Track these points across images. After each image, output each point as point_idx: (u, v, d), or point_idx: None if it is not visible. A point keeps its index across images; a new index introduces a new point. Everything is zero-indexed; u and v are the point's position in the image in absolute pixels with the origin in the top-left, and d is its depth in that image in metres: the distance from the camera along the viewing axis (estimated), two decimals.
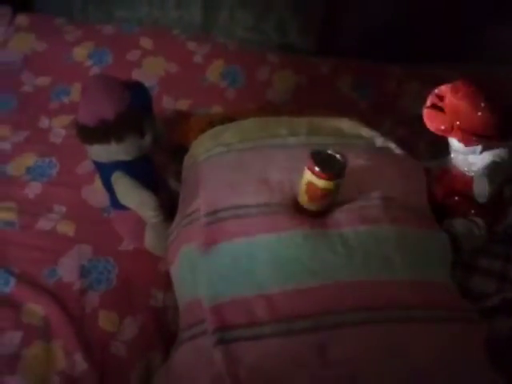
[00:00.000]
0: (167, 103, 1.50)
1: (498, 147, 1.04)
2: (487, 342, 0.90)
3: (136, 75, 1.53)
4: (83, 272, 1.09)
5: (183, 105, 1.50)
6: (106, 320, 1.03)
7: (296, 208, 0.99)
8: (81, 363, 0.96)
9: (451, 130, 1.03)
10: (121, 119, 0.98)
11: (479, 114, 1.00)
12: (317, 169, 0.92)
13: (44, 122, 1.43)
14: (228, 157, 1.10)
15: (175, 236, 1.06)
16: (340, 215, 0.99)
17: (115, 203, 1.08)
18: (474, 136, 1.02)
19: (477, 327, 0.90)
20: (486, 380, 0.85)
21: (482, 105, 0.99)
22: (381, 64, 1.66)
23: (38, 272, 1.09)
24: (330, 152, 0.96)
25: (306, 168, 0.94)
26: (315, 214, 0.98)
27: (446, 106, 1.03)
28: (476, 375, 0.84)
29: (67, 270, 1.09)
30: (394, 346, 0.83)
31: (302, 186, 0.97)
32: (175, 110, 1.48)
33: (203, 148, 1.14)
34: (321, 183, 0.93)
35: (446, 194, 1.13)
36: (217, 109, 1.49)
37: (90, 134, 1.00)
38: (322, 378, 0.81)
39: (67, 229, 1.17)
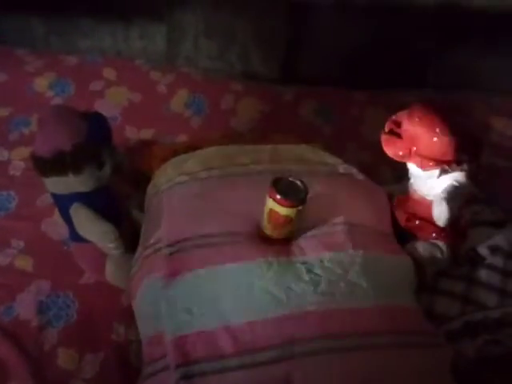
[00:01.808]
0: (130, 133, 1.49)
1: (455, 171, 1.06)
2: (453, 366, 0.90)
3: (99, 106, 1.52)
4: (41, 308, 1.05)
5: (146, 134, 1.49)
6: (65, 358, 0.99)
7: (259, 236, 0.99)
8: None
9: (409, 155, 1.05)
10: (78, 150, 0.97)
11: (435, 139, 1.02)
12: (278, 196, 0.92)
13: (3, 154, 1.40)
14: (190, 186, 1.09)
15: (137, 267, 1.04)
16: (304, 242, 0.98)
17: (75, 235, 1.06)
18: (431, 161, 1.03)
19: (443, 351, 0.90)
20: None
21: (437, 130, 1.01)
22: (343, 90, 1.69)
23: None
24: (291, 179, 0.96)
25: (267, 196, 0.94)
26: (279, 241, 0.98)
27: (402, 132, 1.05)
28: None
29: (24, 306, 1.05)
30: (358, 375, 0.82)
31: (265, 214, 0.96)
32: (138, 140, 1.47)
33: (166, 177, 1.13)
34: (283, 210, 0.93)
35: (407, 219, 1.14)
36: (181, 138, 1.49)
37: (47, 166, 0.98)
38: None
39: (25, 264, 1.13)
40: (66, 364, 0.99)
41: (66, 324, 1.04)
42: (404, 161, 1.09)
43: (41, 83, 1.60)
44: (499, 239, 1.15)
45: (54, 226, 1.21)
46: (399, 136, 1.05)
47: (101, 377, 0.98)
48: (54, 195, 1.06)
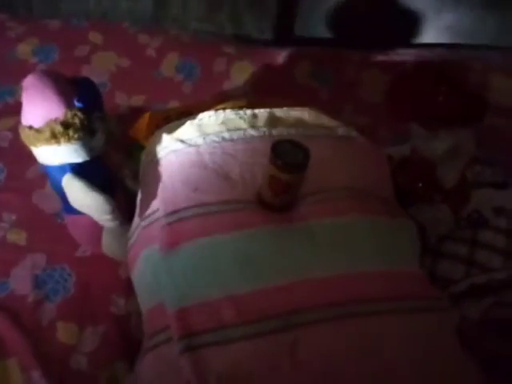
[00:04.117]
0: (120, 99, 1.44)
1: (459, 131, 1.03)
2: (457, 329, 0.89)
3: (85, 72, 1.47)
4: (37, 282, 1.03)
5: (137, 101, 1.45)
6: (64, 332, 0.98)
7: (260, 203, 0.96)
8: (39, 380, 0.90)
9: (413, 115, 1.02)
10: (69, 118, 0.92)
11: (440, 98, 0.99)
12: (279, 162, 0.89)
13: None
14: (187, 153, 1.05)
15: (135, 239, 1.01)
16: (306, 208, 0.96)
17: (68, 208, 1.02)
18: (436, 121, 1.00)
19: (449, 315, 0.90)
20: (461, 368, 0.84)
21: (443, 89, 0.98)
22: (339, 51, 1.64)
23: None
24: (291, 144, 0.93)
25: (268, 162, 0.91)
26: (280, 208, 0.95)
27: (407, 93, 1.02)
28: (451, 364, 0.83)
29: (20, 281, 1.03)
30: (366, 342, 0.81)
31: (265, 181, 0.94)
32: (129, 107, 1.42)
33: (160, 145, 1.09)
34: (284, 176, 0.90)
35: (408, 181, 1.12)
36: (173, 103, 1.44)
37: (36, 135, 0.93)
38: (294, 378, 0.78)
39: (18, 237, 1.10)
40: (66, 338, 0.97)
41: (63, 298, 1.02)
42: (407, 121, 1.06)
43: (24, 50, 1.53)
44: (503, 200, 1.14)
45: (46, 198, 1.18)
46: (403, 96, 1.01)
47: (101, 350, 0.97)
48: (45, 167, 1.01)
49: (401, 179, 1.13)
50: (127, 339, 0.99)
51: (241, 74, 1.53)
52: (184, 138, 1.08)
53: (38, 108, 0.93)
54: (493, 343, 0.96)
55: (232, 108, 1.19)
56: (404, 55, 1.60)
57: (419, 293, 0.91)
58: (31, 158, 1.09)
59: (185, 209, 0.95)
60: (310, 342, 0.80)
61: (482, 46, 1.70)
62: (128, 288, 1.02)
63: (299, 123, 1.15)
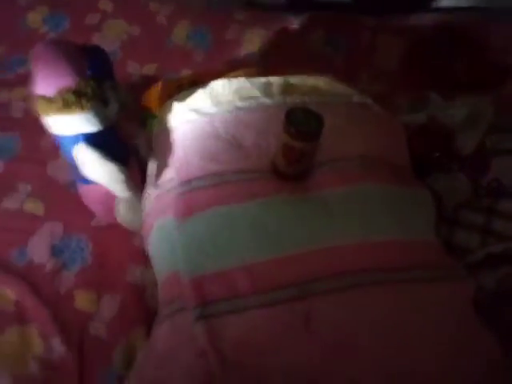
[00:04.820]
0: (132, 68, 1.42)
1: (478, 98, 1.01)
2: (474, 298, 0.89)
3: (96, 40, 1.45)
4: (55, 251, 1.05)
5: (149, 69, 1.43)
6: (82, 300, 0.99)
7: (274, 172, 0.95)
8: (58, 347, 0.92)
9: (430, 82, 0.99)
10: (81, 87, 0.91)
11: (459, 64, 0.96)
12: (293, 130, 0.88)
13: (2, 96, 1.34)
14: (200, 122, 1.04)
15: (149, 208, 1.01)
16: (320, 177, 0.95)
17: (82, 178, 1.02)
18: (454, 87, 0.98)
19: (464, 284, 0.89)
20: (477, 337, 0.84)
21: (462, 54, 0.95)
22: (353, 16, 1.60)
23: (6, 254, 1.04)
24: (305, 112, 0.91)
25: (282, 130, 0.90)
26: (294, 177, 0.95)
27: (424, 60, 0.99)
28: (467, 333, 0.83)
29: (38, 250, 1.04)
30: (380, 312, 0.81)
31: (279, 149, 0.93)
32: (141, 75, 1.41)
33: (173, 114, 1.09)
34: (297, 145, 0.89)
35: (425, 150, 1.10)
36: (185, 72, 1.42)
37: (49, 104, 0.92)
38: (308, 347, 0.78)
39: (35, 207, 1.11)
40: (84, 306, 0.99)
41: (81, 267, 1.03)
42: (425, 89, 1.03)
43: (34, 18, 1.51)
44: None
45: (61, 169, 1.18)
46: (420, 64, 0.99)
47: (119, 318, 0.98)
48: (58, 137, 1.01)
49: (417, 148, 1.11)
50: (144, 308, 1.00)
51: (253, 41, 1.50)
52: (197, 107, 1.07)
53: (50, 77, 0.92)
54: (509, 313, 0.95)
55: (245, 76, 1.17)
56: (421, 19, 1.55)
57: (434, 262, 0.90)
58: (45, 128, 1.09)
59: (198, 178, 0.94)
60: (323, 311, 0.80)
61: (503, 9, 1.64)
62: (144, 257, 1.03)
63: (314, 91, 1.13)
